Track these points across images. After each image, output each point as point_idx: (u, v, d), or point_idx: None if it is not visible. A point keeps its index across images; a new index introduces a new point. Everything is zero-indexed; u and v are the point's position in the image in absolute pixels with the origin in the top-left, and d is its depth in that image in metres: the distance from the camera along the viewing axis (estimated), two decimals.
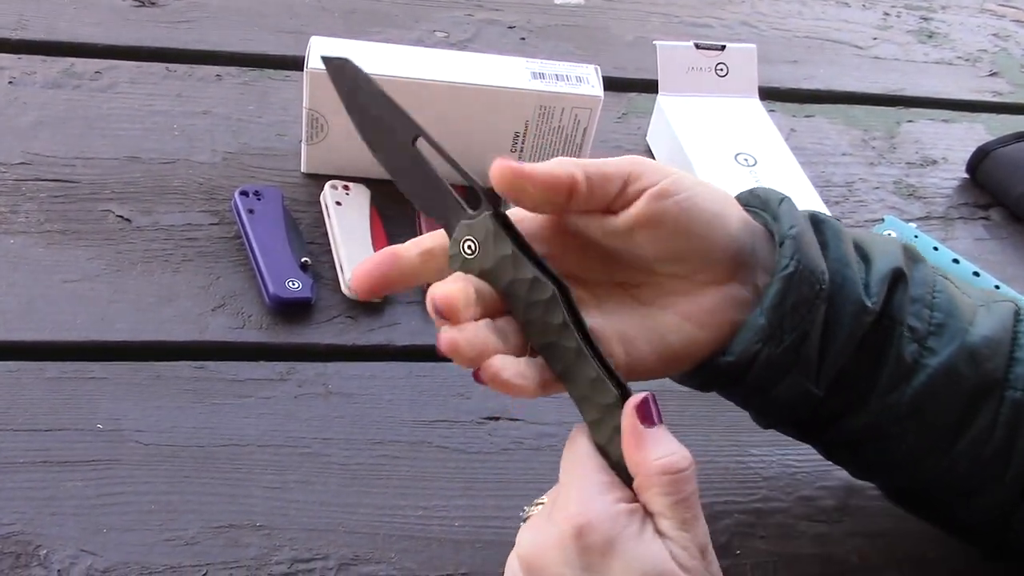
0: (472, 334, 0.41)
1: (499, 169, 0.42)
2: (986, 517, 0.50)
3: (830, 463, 0.54)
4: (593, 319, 0.44)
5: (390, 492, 0.54)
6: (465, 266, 0.42)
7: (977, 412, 0.47)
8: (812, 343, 0.45)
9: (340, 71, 0.45)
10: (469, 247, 0.42)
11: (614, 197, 0.43)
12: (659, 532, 0.39)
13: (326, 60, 0.45)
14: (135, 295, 0.62)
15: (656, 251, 0.44)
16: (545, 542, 0.40)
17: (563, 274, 0.43)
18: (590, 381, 0.41)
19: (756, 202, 0.48)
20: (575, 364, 0.41)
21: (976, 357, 0.47)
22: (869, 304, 0.46)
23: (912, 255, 0.49)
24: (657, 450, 0.40)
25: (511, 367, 0.41)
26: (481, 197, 0.42)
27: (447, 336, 0.41)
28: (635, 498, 0.40)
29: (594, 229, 0.45)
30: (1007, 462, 0.47)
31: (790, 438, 0.53)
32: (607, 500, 0.39)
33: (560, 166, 0.42)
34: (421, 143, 0.44)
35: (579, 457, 0.41)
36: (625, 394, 0.41)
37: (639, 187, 0.43)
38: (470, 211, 0.42)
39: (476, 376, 0.42)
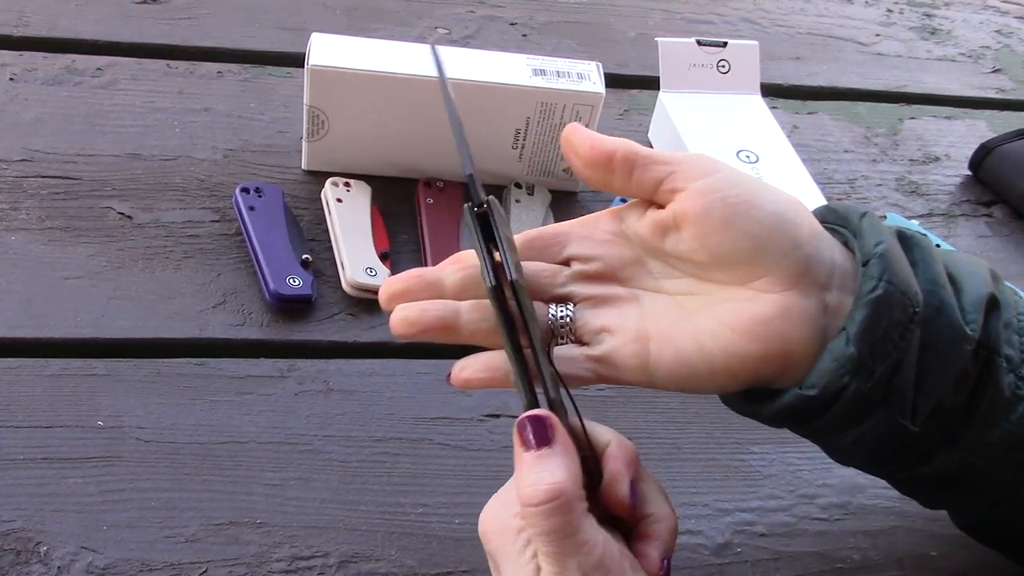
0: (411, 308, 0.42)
1: (566, 129, 0.44)
2: None
3: (832, 460, 0.53)
4: (616, 315, 0.43)
5: (390, 489, 0.54)
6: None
7: None
8: (907, 374, 0.40)
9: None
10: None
11: (657, 184, 0.43)
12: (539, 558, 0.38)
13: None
14: (136, 292, 0.62)
15: (706, 252, 0.42)
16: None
17: (612, 278, 0.44)
18: (517, 382, 0.41)
19: (833, 217, 0.44)
20: (512, 362, 0.41)
21: None
22: (969, 332, 0.41)
23: (995, 276, 0.45)
24: (527, 478, 0.38)
25: (472, 364, 0.42)
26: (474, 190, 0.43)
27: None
28: None
29: (644, 229, 0.44)
30: None
31: (792, 434, 0.52)
32: (507, 513, 0.40)
33: (611, 139, 0.43)
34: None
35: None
36: (540, 405, 0.40)
37: (685, 178, 0.42)
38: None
39: (448, 380, 0.43)
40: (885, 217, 0.77)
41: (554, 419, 0.39)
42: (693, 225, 0.42)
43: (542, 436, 0.39)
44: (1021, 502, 0.45)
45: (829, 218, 0.44)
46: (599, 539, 0.38)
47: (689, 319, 0.43)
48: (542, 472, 0.38)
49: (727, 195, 0.41)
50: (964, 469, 0.44)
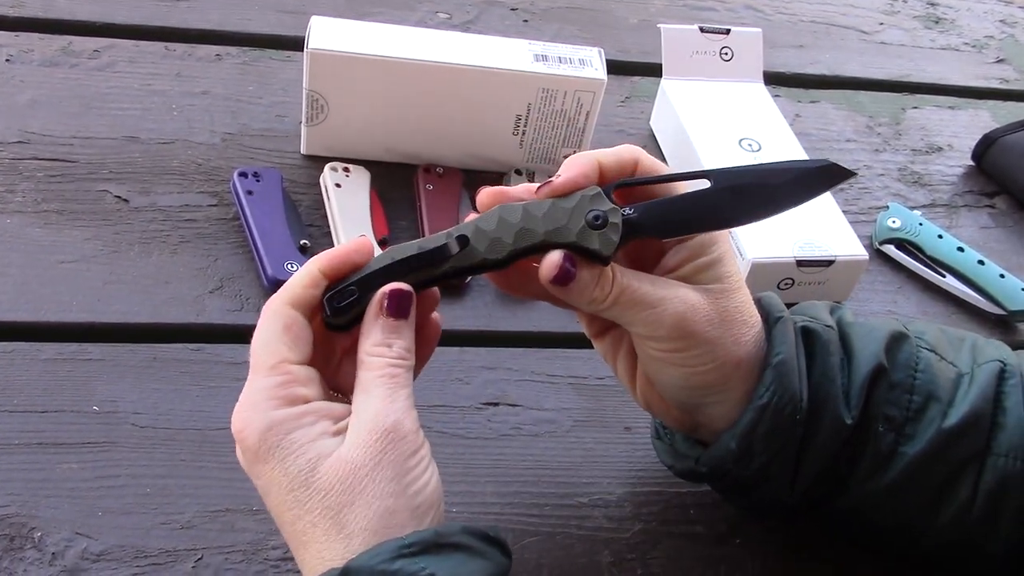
0: None
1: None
2: (990, 566, 0.49)
3: None
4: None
5: None
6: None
7: (958, 484, 0.47)
8: (786, 462, 0.47)
9: None
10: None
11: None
12: None
13: None
14: (132, 276, 0.61)
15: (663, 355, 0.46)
16: None
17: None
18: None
19: (760, 310, 0.48)
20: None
21: (956, 437, 0.47)
22: (848, 421, 0.46)
23: (897, 336, 0.49)
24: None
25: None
26: None
27: None
28: None
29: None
30: (994, 524, 0.47)
31: None
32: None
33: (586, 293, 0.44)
34: None
35: None
36: None
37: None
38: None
39: None
40: (887, 207, 0.76)
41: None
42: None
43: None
44: (909, 535, 0.49)
45: (759, 308, 0.49)
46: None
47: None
48: None
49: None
50: (853, 513, 0.49)
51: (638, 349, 0.47)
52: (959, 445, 0.47)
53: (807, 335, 0.48)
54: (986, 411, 0.47)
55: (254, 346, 0.42)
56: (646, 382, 0.49)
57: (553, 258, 0.43)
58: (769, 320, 0.48)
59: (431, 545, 0.38)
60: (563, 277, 0.43)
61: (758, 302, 0.49)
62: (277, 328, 0.42)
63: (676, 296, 0.44)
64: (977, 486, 0.47)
